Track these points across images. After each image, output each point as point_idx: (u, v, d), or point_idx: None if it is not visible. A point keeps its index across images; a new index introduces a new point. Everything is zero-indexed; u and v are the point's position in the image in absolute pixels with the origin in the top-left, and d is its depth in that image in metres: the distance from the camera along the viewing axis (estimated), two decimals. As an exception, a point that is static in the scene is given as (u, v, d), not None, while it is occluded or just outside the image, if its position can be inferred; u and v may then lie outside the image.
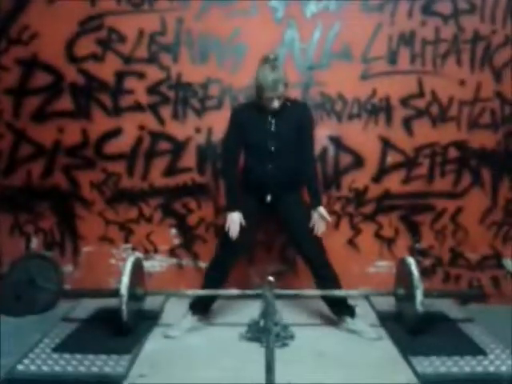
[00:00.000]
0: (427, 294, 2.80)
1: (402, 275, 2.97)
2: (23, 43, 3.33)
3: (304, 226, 2.88)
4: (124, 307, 2.69)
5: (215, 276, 2.95)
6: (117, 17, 3.33)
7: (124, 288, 2.70)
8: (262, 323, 2.75)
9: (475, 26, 3.37)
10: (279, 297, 2.64)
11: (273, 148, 2.80)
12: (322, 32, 3.35)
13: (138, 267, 2.96)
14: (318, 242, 2.93)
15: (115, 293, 2.73)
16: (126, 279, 2.73)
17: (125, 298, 2.69)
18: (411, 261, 2.88)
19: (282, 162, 2.81)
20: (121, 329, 2.75)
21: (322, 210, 2.87)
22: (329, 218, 2.90)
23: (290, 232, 2.97)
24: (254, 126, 2.81)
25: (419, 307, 2.71)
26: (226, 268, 2.95)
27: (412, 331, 2.81)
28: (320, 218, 2.88)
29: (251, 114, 2.83)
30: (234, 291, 2.99)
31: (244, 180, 2.90)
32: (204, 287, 2.97)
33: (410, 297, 2.78)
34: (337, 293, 2.92)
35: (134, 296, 2.84)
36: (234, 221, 2.83)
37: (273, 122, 2.80)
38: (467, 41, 3.38)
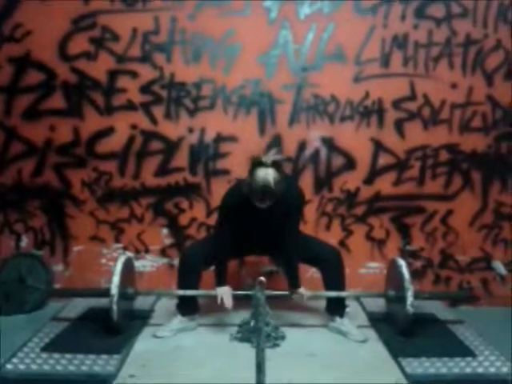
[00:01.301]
0: (417, 296, 2.81)
1: (393, 277, 2.98)
2: (16, 41, 3.32)
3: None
4: (114, 307, 2.67)
5: (186, 273, 2.92)
6: (110, 15, 3.33)
7: (114, 288, 2.69)
8: (252, 324, 2.75)
9: (467, 29, 3.40)
10: (270, 297, 2.65)
11: (261, 231, 2.81)
12: (316, 34, 3.36)
13: (128, 267, 2.95)
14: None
15: (106, 292, 2.71)
16: (116, 279, 2.72)
17: (115, 298, 2.67)
18: (402, 262, 2.90)
19: (269, 237, 2.84)
20: (111, 328, 2.73)
21: (301, 290, 2.86)
22: (306, 296, 2.86)
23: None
24: (244, 214, 2.72)
25: (409, 309, 2.72)
26: (195, 265, 2.90)
27: (402, 332, 2.82)
28: (301, 298, 2.88)
29: (242, 209, 2.70)
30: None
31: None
32: (179, 287, 2.93)
33: (401, 298, 2.79)
34: (329, 294, 2.92)
35: (124, 296, 2.82)
36: (226, 292, 2.82)
37: (263, 217, 2.72)
38: (459, 44, 3.41)
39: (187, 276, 2.89)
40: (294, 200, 2.83)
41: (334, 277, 2.93)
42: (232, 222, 2.80)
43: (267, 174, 2.51)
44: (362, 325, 3.03)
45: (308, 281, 3.07)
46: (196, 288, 2.90)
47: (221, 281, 2.86)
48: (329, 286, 2.93)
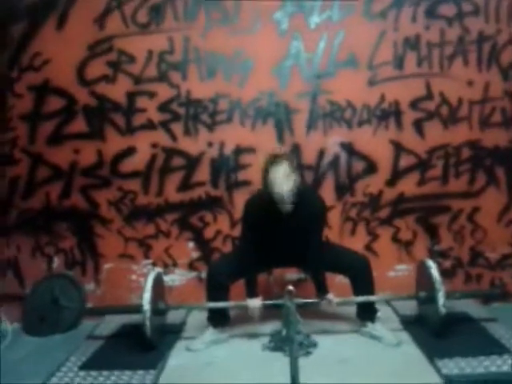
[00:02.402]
0: (449, 296, 2.79)
1: (423, 278, 2.96)
2: (35, 70, 3.42)
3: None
4: (147, 323, 2.72)
5: (214, 285, 2.94)
6: (125, 39, 3.41)
7: (146, 304, 2.73)
8: (284, 333, 2.75)
9: (480, 26, 3.38)
10: (300, 306, 2.66)
11: (285, 242, 2.83)
12: (327, 41, 3.39)
13: (158, 282, 2.99)
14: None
15: (138, 308, 2.76)
16: (147, 295, 2.77)
17: (148, 314, 2.72)
18: (431, 263, 2.88)
19: (294, 248, 2.84)
20: (145, 344, 2.77)
21: (330, 296, 2.86)
22: (335, 302, 2.87)
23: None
24: (266, 225, 2.77)
25: (442, 309, 2.70)
26: (222, 278, 2.93)
27: (436, 333, 2.79)
28: (329, 304, 2.89)
29: (264, 212, 2.75)
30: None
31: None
32: (209, 299, 2.96)
33: (432, 299, 2.77)
34: (358, 299, 2.92)
35: (156, 311, 2.87)
36: (256, 303, 2.85)
37: (285, 220, 2.75)
38: (473, 41, 3.39)
39: (215, 292, 2.92)
40: (316, 209, 2.84)
41: (362, 283, 2.92)
42: (255, 232, 2.82)
43: (282, 167, 2.59)
44: (394, 328, 3.01)
45: (336, 286, 3.06)
46: (226, 299, 2.93)
47: (251, 292, 2.88)
48: (358, 293, 2.92)
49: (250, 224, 2.86)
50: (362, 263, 2.93)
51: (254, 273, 2.93)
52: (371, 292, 2.93)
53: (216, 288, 2.92)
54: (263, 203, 2.75)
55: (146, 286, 2.81)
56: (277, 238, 2.82)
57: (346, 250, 3.04)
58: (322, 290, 2.89)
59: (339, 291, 2.96)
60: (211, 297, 2.93)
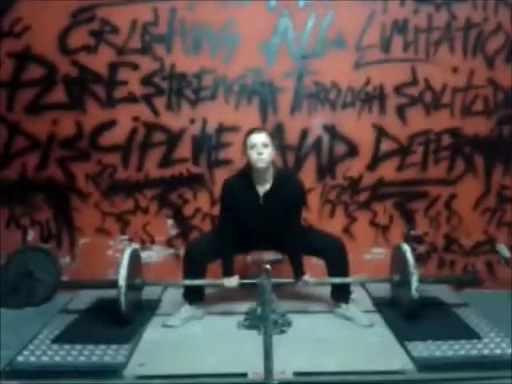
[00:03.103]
0: (422, 280, 2.83)
1: (397, 262, 3.00)
2: (15, 36, 3.32)
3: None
4: (123, 298, 2.70)
5: (192, 262, 2.95)
6: (109, 8, 3.32)
7: (122, 279, 2.72)
8: (259, 311, 2.77)
9: (467, 13, 3.38)
10: (276, 285, 2.68)
11: (264, 226, 2.84)
12: (315, 21, 3.35)
13: (135, 258, 2.97)
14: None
15: (114, 284, 2.74)
16: (123, 271, 2.75)
17: (123, 289, 2.70)
18: (406, 247, 2.91)
19: (274, 233, 2.87)
20: (120, 319, 2.77)
21: (306, 277, 2.90)
22: (312, 282, 2.92)
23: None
24: (244, 208, 2.79)
25: (414, 293, 2.75)
26: (200, 255, 2.94)
27: (408, 317, 2.85)
28: (305, 285, 2.93)
29: (242, 194, 2.78)
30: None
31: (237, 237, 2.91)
32: (185, 276, 2.96)
33: (406, 283, 2.81)
34: (333, 280, 2.95)
35: (132, 287, 2.85)
36: (233, 282, 2.87)
37: (264, 206, 2.78)
38: (460, 28, 3.39)
39: (192, 270, 2.92)
40: (295, 192, 2.85)
41: (337, 265, 2.95)
42: (233, 213, 2.82)
43: (260, 135, 2.72)
44: (367, 310, 3.06)
45: (312, 268, 3.09)
46: (203, 276, 2.93)
47: (227, 271, 2.89)
48: (332, 275, 2.95)
49: (227, 204, 2.85)
50: (336, 246, 2.96)
51: (231, 253, 2.93)
52: (345, 274, 2.96)
53: (193, 266, 2.91)
54: (242, 184, 2.78)
55: (122, 262, 2.79)
56: (255, 219, 2.82)
57: (322, 233, 3.07)
58: (298, 271, 2.91)
59: (315, 272, 3.00)
60: (188, 274, 2.93)
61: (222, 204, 2.90)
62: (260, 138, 2.70)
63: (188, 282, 2.93)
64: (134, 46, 3.35)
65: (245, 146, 2.73)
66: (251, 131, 2.76)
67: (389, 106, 3.44)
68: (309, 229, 3.14)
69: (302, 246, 2.92)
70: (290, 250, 2.95)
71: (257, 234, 2.90)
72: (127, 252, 2.87)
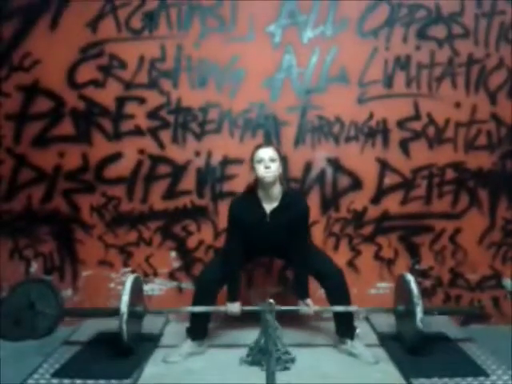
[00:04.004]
0: (427, 311, 2.78)
1: (402, 292, 2.96)
2: (24, 70, 3.39)
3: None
4: (124, 326, 2.67)
5: (202, 298, 2.94)
6: (117, 44, 3.39)
7: (124, 306, 2.68)
8: (262, 343, 2.73)
9: (469, 49, 3.44)
10: (280, 317, 2.65)
11: (271, 244, 2.88)
12: (319, 57, 3.41)
13: (137, 286, 2.95)
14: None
15: (116, 312, 2.71)
16: (126, 298, 2.72)
17: (125, 317, 2.67)
18: (410, 278, 2.88)
19: (279, 250, 2.95)
20: (121, 349, 2.73)
21: (309, 301, 2.89)
22: (313, 309, 2.89)
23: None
24: (251, 226, 2.81)
25: (419, 324, 2.70)
26: (211, 288, 2.94)
27: (412, 349, 2.80)
28: (308, 309, 2.90)
29: (249, 212, 2.81)
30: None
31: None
32: (197, 301, 2.95)
33: (410, 313, 2.77)
34: (335, 309, 2.91)
35: (134, 314, 2.82)
36: (235, 312, 2.87)
37: (271, 223, 2.81)
38: (462, 64, 3.44)
39: (204, 299, 2.90)
40: (300, 208, 2.86)
41: (338, 295, 2.92)
42: (240, 229, 2.82)
43: (268, 149, 2.78)
44: (372, 344, 3.01)
45: (317, 300, 3.06)
46: (209, 314, 2.96)
47: (232, 296, 2.87)
48: (334, 305, 2.93)
49: (235, 224, 2.85)
50: (336, 273, 2.94)
51: (238, 275, 2.92)
52: (348, 305, 2.93)
53: (205, 296, 2.90)
54: (249, 202, 2.83)
55: (125, 289, 2.76)
56: (261, 236, 2.83)
57: (324, 257, 3.06)
58: (302, 293, 2.89)
59: (319, 304, 2.98)
60: (198, 303, 2.91)
61: (229, 224, 2.90)
62: (267, 153, 2.74)
63: (190, 309, 2.92)
64: (141, 81, 3.41)
65: (252, 161, 2.77)
66: (259, 146, 2.81)
67: (392, 140, 3.47)
68: (315, 249, 3.11)
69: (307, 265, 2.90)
70: (297, 268, 2.94)
71: (263, 251, 2.93)
72: (129, 279, 2.84)
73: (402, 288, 2.97)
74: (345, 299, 2.93)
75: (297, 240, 2.87)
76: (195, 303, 2.93)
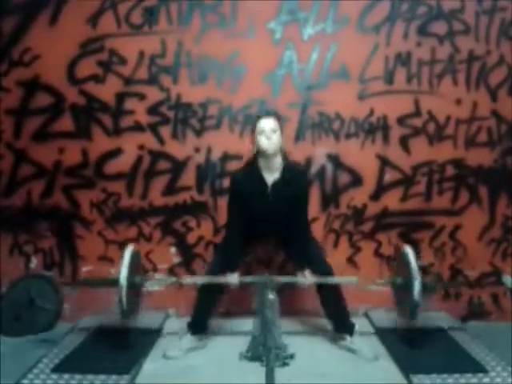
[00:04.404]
0: (425, 284, 2.74)
1: (400, 265, 2.90)
2: (24, 65, 3.38)
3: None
4: (123, 296, 2.65)
5: (207, 292, 2.95)
6: (117, 39, 3.38)
7: (123, 277, 2.67)
8: (262, 342, 2.73)
9: (470, 46, 3.43)
10: (280, 317, 2.65)
11: (272, 217, 2.86)
12: (320, 53, 3.40)
13: (135, 258, 2.91)
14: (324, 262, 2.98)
15: (115, 282, 2.70)
16: (125, 269, 2.70)
17: (124, 288, 2.66)
18: (409, 250, 2.82)
19: (281, 225, 2.89)
20: (121, 313, 2.71)
21: (306, 273, 2.87)
22: (311, 280, 2.88)
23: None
24: (253, 198, 2.81)
25: (417, 297, 2.65)
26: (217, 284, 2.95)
27: (411, 317, 2.76)
28: (305, 280, 2.89)
29: (250, 185, 2.82)
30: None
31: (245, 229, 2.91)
32: (197, 306, 2.97)
33: (408, 286, 2.71)
34: (335, 280, 2.91)
35: (132, 285, 2.80)
36: (234, 283, 2.86)
37: (272, 195, 2.81)
38: (463, 61, 3.44)
39: (209, 299, 2.94)
40: (301, 184, 2.89)
41: (329, 292, 2.92)
42: (241, 203, 2.82)
43: (269, 121, 2.76)
44: (371, 341, 3.01)
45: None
46: (212, 310, 2.99)
47: (232, 266, 2.88)
48: (325, 303, 2.95)
49: (236, 196, 2.85)
50: (325, 268, 2.93)
51: (238, 247, 2.91)
52: (341, 303, 2.94)
53: (211, 296, 2.93)
54: (249, 174, 2.83)
55: (123, 261, 2.74)
56: (263, 209, 2.82)
57: (318, 251, 3.08)
58: (302, 265, 2.89)
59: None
60: (203, 303, 2.93)
61: (230, 197, 2.91)
62: (269, 124, 2.73)
63: (189, 280, 2.98)
64: (141, 77, 3.40)
65: (254, 132, 2.77)
66: (260, 117, 2.80)
67: (392, 136, 3.46)
68: (315, 244, 3.12)
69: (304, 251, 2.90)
70: (296, 244, 2.93)
71: (264, 226, 2.89)
72: (128, 251, 2.82)
73: (400, 260, 2.91)
74: (335, 294, 2.93)
75: (298, 215, 2.86)
76: (200, 301, 2.94)
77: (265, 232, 3.00)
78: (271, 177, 2.80)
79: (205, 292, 2.93)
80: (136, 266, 2.94)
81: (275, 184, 2.79)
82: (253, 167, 2.83)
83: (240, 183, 2.83)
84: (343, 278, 2.96)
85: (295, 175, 2.84)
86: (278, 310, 2.69)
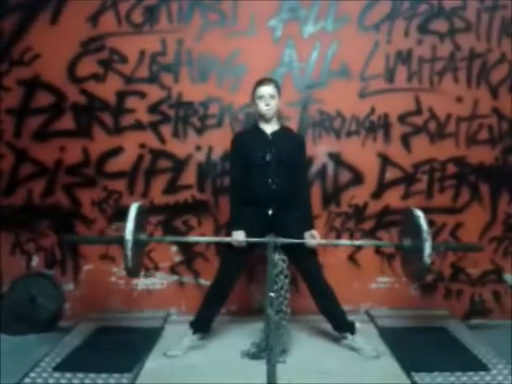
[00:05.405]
0: (434, 247, 2.55)
1: (409, 228, 2.72)
2: (25, 64, 3.37)
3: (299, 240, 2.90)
4: (129, 253, 2.51)
5: (218, 292, 2.96)
6: (118, 38, 3.38)
7: (129, 234, 2.53)
8: (264, 341, 2.73)
9: (471, 44, 3.43)
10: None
11: (273, 164, 2.84)
12: (320, 51, 3.40)
13: (141, 214, 2.73)
14: (314, 259, 2.95)
15: (119, 239, 2.65)
16: (130, 225, 2.55)
17: (130, 244, 2.52)
18: (419, 213, 2.64)
19: (281, 180, 2.85)
20: (127, 272, 2.59)
21: (314, 232, 2.86)
22: (319, 240, 2.88)
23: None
24: (254, 146, 2.87)
25: (427, 260, 2.47)
26: (229, 284, 2.95)
27: (419, 279, 2.70)
28: (311, 238, 2.86)
29: (251, 136, 2.93)
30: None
31: (247, 196, 2.91)
32: (205, 304, 2.96)
33: (418, 249, 2.53)
34: (342, 243, 3.03)
35: (137, 242, 2.64)
36: (240, 241, 2.83)
37: (272, 141, 2.88)
38: (463, 58, 3.43)
39: (219, 298, 2.96)
40: (302, 141, 3.02)
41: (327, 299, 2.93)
42: (243, 152, 2.89)
43: (268, 86, 2.87)
44: (373, 340, 3.01)
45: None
46: (219, 310, 3.00)
47: (236, 221, 2.88)
48: (318, 300, 2.94)
49: (238, 151, 2.91)
50: (312, 260, 2.94)
51: (241, 202, 2.90)
52: (339, 307, 2.94)
53: (221, 292, 2.95)
54: (250, 129, 2.99)
55: (129, 217, 2.60)
56: (264, 158, 2.85)
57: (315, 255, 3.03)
58: (308, 224, 2.89)
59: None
60: (212, 301, 2.95)
61: (232, 155, 2.98)
62: (268, 90, 2.85)
63: (192, 239, 3.09)
64: (142, 75, 3.40)
65: (253, 95, 2.89)
66: (260, 82, 2.90)
67: (393, 134, 3.46)
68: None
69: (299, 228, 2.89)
70: (300, 203, 2.93)
71: (266, 185, 2.85)
72: (134, 206, 2.66)
73: (409, 223, 2.73)
74: (332, 299, 2.92)
75: (298, 174, 2.91)
76: (209, 299, 2.95)
77: (266, 197, 2.89)
78: (270, 128, 2.92)
79: (216, 290, 2.94)
80: (142, 224, 2.80)
81: (274, 133, 2.91)
82: (252, 126, 2.98)
83: (241, 138, 2.95)
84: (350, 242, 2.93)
85: (291, 131, 3.05)
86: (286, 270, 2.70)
